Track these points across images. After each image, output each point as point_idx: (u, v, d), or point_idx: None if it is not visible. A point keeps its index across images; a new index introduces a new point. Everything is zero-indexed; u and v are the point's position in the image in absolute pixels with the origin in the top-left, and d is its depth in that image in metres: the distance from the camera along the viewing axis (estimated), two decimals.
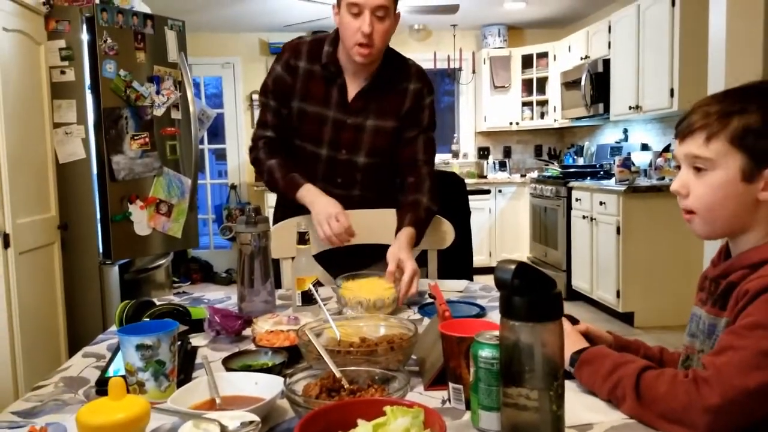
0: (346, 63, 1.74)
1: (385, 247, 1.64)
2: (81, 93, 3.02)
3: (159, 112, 3.27)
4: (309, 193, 1.71)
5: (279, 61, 1.78)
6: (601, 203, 4.45)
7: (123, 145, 3.11)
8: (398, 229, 1.69)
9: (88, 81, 3.03)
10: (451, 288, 1.64)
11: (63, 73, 3.01)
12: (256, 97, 6.04)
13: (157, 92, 3.26)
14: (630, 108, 4.62)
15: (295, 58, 1.76)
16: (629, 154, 4.86)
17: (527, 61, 6.28)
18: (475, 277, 2.61)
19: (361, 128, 1.76)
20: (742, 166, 0.94)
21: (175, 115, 3.36)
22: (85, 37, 3.02)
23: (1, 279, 2.50)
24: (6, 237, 2.53)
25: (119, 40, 3.09)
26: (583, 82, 5.22)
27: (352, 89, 1.76)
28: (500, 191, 6.09)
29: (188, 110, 3.36)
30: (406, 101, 1.77)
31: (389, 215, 1.78)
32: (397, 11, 1.69)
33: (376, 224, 1.79)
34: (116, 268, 3.15)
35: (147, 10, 3.73)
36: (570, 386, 0.97)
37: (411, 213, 1.71)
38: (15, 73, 2.68)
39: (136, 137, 3.15)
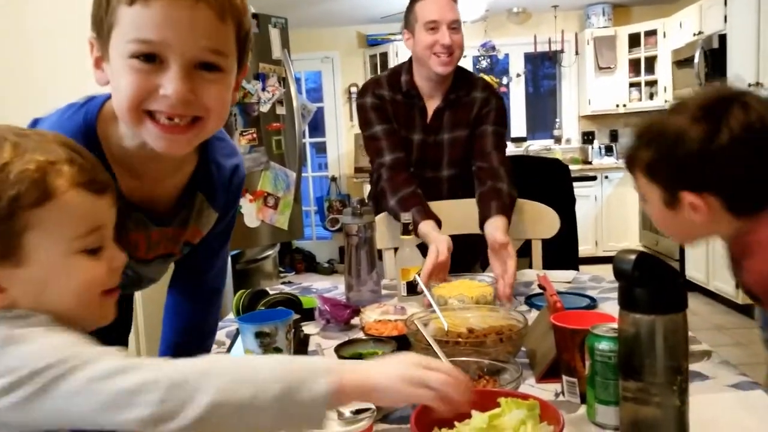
0: (423, 86, 1.84)
1: (473, 237, 1.65)
2: None
3: (265, 108, 3.39)
4: (424, 230, 1.62)
5: (366, 95, 1.86)
6: None
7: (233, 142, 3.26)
8: (485, 218, 1.65)
9: None
10: (560, 278, 1.60)
11: None
12: (354, 90, 6.13)
13: (263, 89, 3.39)
14: (750, 86, 4.28)
15: (378, 89, 1.86)
16: None
17: (634, 40, 5.96)
18: (582, 268, 2.52)
19: (440, 144, 1.85)
20: (661, 196, 1.02)
21: (280, 110, 3.48)
22: None
23: None
24: None
25: None
26: (696, 60, 4.89)
27: (430, 109, 1.85)
28: (606, 177, 5.84)
29: (291, 106, 3.47)
30: (474, 109, 1.84)
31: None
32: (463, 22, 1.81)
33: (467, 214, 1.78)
34: (229, 259, 3.32)
35: (252, 9, 3.88)
36: (693, 380, 0.92)
37: (495, 201, 1.68)
38: None
39: (244, 133, 3.29)
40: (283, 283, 1.80)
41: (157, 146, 0.79)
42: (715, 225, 1.02)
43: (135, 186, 0.87)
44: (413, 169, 1.85)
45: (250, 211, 3.33)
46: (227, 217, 1.06)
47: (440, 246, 1.50)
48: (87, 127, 0.81)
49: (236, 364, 0.65)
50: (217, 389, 0.61)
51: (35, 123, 0.87)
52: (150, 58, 0.74)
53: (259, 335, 1.01)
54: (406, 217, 1.48)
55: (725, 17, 4.66)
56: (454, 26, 1.77)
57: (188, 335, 1.08)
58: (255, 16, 3.42)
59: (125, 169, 0.85)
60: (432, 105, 1.85)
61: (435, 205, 1.77)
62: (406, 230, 1.47)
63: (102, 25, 0.77)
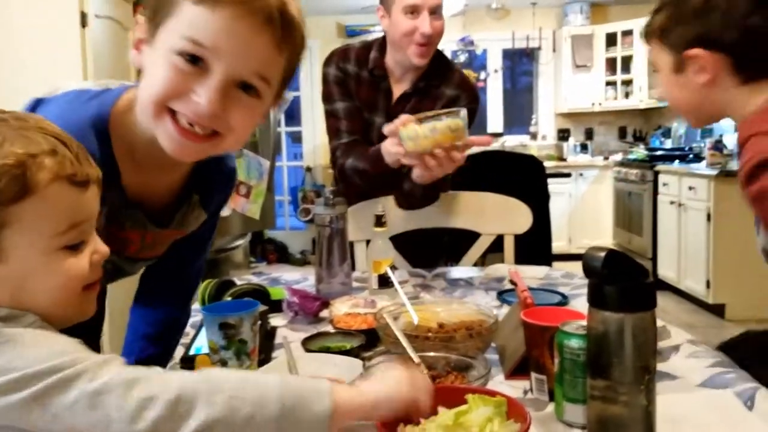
0: (394, 67, 1.73)
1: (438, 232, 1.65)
2: None
3: None
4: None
5: (330, 65, 1.76)
6: (690, 188, 4.22)
7: None
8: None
9: None
10: (532, 274, 1.60)
11: None
12: None
13: None
14: None
15: (344, 61, 1.76)
16: (721, 136, 4.58)
17: (611, 39, 6.01)
18: (555, 264, 2.53)
19: None
20: (671, 61, 1.07)
21: None
22: None
23: None
24: None
25: None
26: None
27: (396, 93, 1.75)
28: (581, 175, 5.89)
29: None
30: (438, 105, 1.68)
31: (471, 198, 1.75)
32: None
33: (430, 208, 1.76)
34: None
35: None
36: (662, 379, 0.92)
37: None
38: (105, 58, 2.80)
39: None
40: (254, 273, 1.78)
41: (168, 146, 0.76)
42: (720, 91, 1.05)
43: (137, 182, 0.82)
44: None
45: None
46: (213, 219, 1.02)
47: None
48: (99, 118, 0.77)
49: (237, 380, 0.62)
50: (216, 406, 0.58)
51: (37, 104, 0.81)
52: (194, 61, 0.71)
53: (223, 326, 0.98)
54: (379, 208, 1.46)
55: None
56: (436, 11, 1.62)
57: (161, 327, 1.04)
58: None
59: (130, 163, 0.81)
60: (399, 88, 1.75)
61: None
62: (378, 222, 1.45)
63: (158, 10, 0.74)
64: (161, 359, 0.95)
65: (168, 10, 0.73)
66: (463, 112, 1.37)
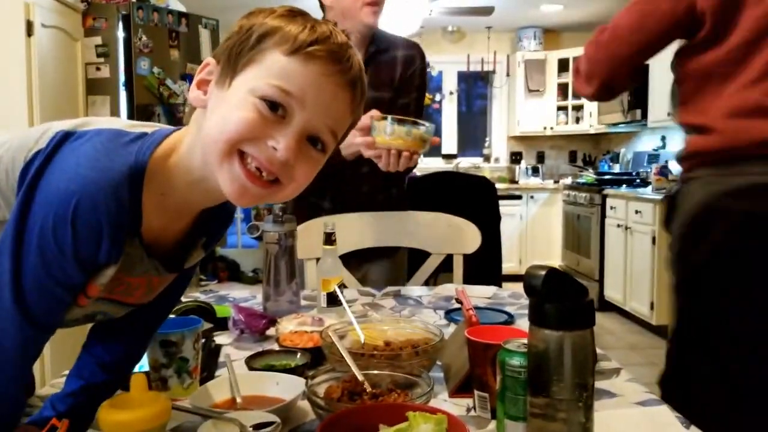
0: None
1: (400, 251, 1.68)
2: (115, 89, 3.07)
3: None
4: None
5: None
6: (636, 212, 4.35)
7: None
8: None
9: (122, 78, 3.08)
10: (479, 294, 1.61)
11: (98, 69, 3.07)
12: None
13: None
14: (669, 114, 4.52)
15: None
16: (667, 161, 4.75)
17: (563, 65, 6.19)
18: (504, 284, 2.57)
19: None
20: None
21: None
22: (120, 34, 3.07)
23: None
24: None
25: (154, 38, 3.13)
26: None
27: None
28: (532, 197, 6.01)
29: None
30: (398, 68, 1.79)
31: (421, 218, 1.76)
32: None
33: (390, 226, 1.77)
34: None
35: (182, 8, 3.79)
36: (601, 397, 0.94)
37: None
38: (52, 68, 2.74)
39: None
40: (203, 291, 1.74)
41: (229, 189, 0.73)
42: None
43: (156, 228, 0.78)
44: None
45: None
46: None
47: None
48: (137, 166, 0.72)
49: None
50: None
51: (65, 137, 0.73)
52: (274, 108, 0.72)
53: (164, 344, 0.96)
54: (329, 226, 1.46)
55: None
56: None
57: (120, 357, 0.98)
58: (185, 15, 3.33)
59: (156, 212, 0.77)
60: None
61: (355, 217, 1.76)
62: (328, 240, 1.44)
63: (238, 57, 0.74)
64: (113, 385, 0.91)
65: (251, 57, 0.74)
66: (432, 127, 1.51)
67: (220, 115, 0.73)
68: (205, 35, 3.40)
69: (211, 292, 1.73)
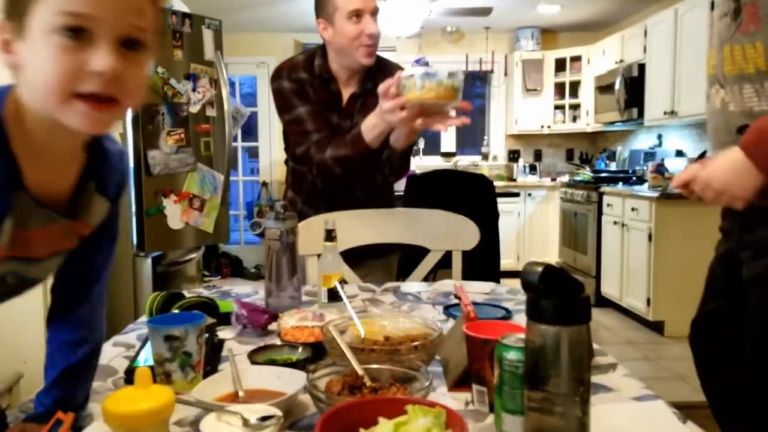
0: (339, 71, 1.82)
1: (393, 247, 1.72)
2: None
3: (194, 109, 3.32)
4: (367, 122, 1.62)
5: (281, 79, 1.82)
6: (633, 209, 4.38)
7: (159, 141, 3.17)
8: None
9: None
10: (478, 290, 1.63)
11: None
12: None
13: (193, 90, 3.31)
14: (665, 113, 4.54)
15: (295, 72, 1.82)
16: (663, 160, 4.77)
17: (560, 65, 6.21)
18: (502, 280, 2.59)
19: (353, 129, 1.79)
20: None
21: (210, 112, 3.41)
22: None
23: None
24: None
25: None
26: (617, 87, 5.14)
27: (345, 95, 1.84)
28: (530, 195, 6.04)
29: (223, 108, 3.41)
30: None
31: (421, 215, 1.78)
32: None
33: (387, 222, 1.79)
34: (149, 261, 3.21)
35: (185, 9, 3.79)
36: (598, 392, 0.96)
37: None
38: None
39: (171, 133, 3.20)
40: (206, 287, 1.76)
41: (79, 125, 0.74)
42: None
43: (40, 180, 0.81)
44: None
45: (174, 213, 3.23)
46: (115, 207, 1.01)
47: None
48: None
49: None
50: None
51: None
52: (77, 34, 0.70)
53: (168, 338, 0.98)
54: (330, 223, 1.47)
55: (645, 48, 4.93)
56: (375, 14, 1.74)
57: (81, 330, 1.00)
58: (188, 16, 3.34)
59: (31, 162, 0.79)
60: (347, 91, 1.83)
61: (354, 214, 1.79)
62: (329, 237, 1.46)
63: (17, 3, 0.72)
64: (91, 357, 0.94)
65: None
66: (462, 75, 1.44)
67: (33, 70, 0.73)
68: (208, 35, 3.42)
69: (214, 288, 1.75)
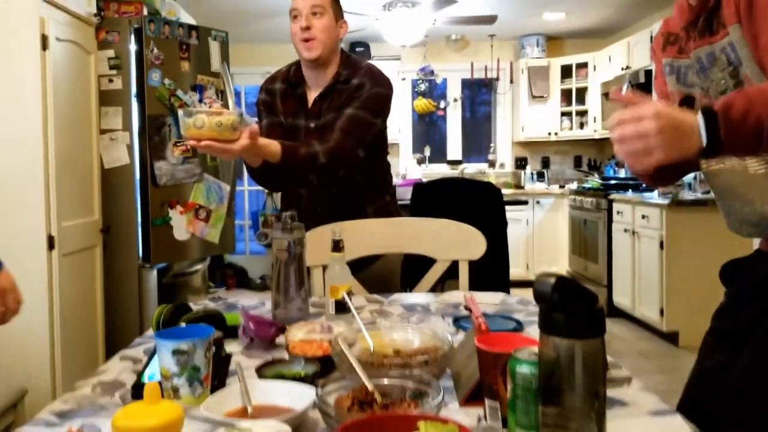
0: (307, 74, 1.94)
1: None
2: (127, 100, 3.10)
3: None
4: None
5: (261, 90, 2.01)
6: (643, 217, 4.34)
7: (165, 152, 3.17)
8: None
9: (134, 89, 3.11)
10: (487, 301, 1.61)
11: (111, 81, 3.10)
12: None
13: (200, 101, 3.32)
14: None
15: (272, 83, 2.00)
16: None
17: (566, 72, 6.20)
18: (512, 291, 2.56)
19: (321, 128, 1.88)
20: None
21: None
22: (132, 47, 3.10)
23: (44, 280, 2.57)
24: (51, 239, 2.60)
25: (165, 50, 3.16)
26: (624, 92, 5.12)
27: (312, 96, 1.93)
28: (538, 202, 6.01)
29: None
30: (345, 94, 1.88)
31: (427, 225, 1.76)
32: (343, 19, 1.92)
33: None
34: (155, 272, 3.21)
35: (192, 21, 3.82)
36: (613, 407, 0.94)
37: (294, 144, 1.74)
38: (66, 81, 2.76)
39: (178, 144, 3.21)
40: (212, 299, 1.75)
41: None
42: None
43: None
44: None
45: (179, 224, 3.23)
46: None
47: None
48: None
49: None
50: None
51: None
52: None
53: (176, 353, 0.97)
54: (337, 233, 1.46)
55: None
56: (316, 11, 1.84)
57: None
58: (195, 28, 3.36)
59: None
60: (314, 92, 1.93)
61: (361, 224, 1.80)
62: (336, 247, 1.45)
63: None
64: None
65: None
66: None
67: None
68: (214, 47, 3.43)
69: (219, 300, 1.74)
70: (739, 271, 1.32)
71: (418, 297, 1.71)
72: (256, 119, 2.02)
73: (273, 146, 1.64)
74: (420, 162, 6.55)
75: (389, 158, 2.10)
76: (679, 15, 1.25)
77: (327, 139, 1.76)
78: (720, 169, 1.25)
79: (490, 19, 5.05)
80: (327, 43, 1.86)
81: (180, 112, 1.52)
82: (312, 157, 1.71)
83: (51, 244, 2.60)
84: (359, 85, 1.86)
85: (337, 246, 1.44)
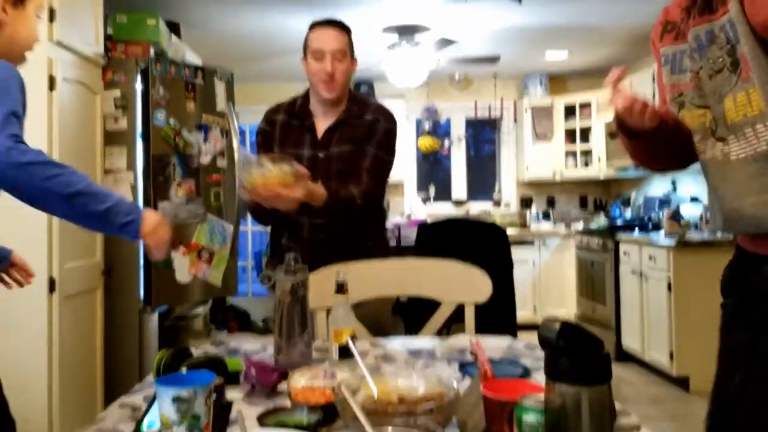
0: (316, 107, 2.04)
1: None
2: (132, 140, 3.12)
3: (205, 160, 3.34)
4: None
5: (262, 120, 2.09)
6: (650, 258, 4.30)
7: (169, 192, 3.18)
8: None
9: (139, 129, 3.13)
10: (494, 345, 1.59)
11: (116, 121, 3.13)
12: None
13: (205, 140, 3.35)
14: None
15: (274, 114, 2.08)
16: (678, 206, 4.73)
17: (570, 111, 6.24)
18: (519, 334, 2.52)
19: (329, 159, 1.99)
20: None
21: (221, 162, 3.44)
22: (139, 87, 3.14)
23: (44, 323, 2.55)
24: (52, 282, 2.58)
25: (171, 90, 3.20)
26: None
27: (321, 129, 2.02)
28: (544, 243, 5.97)
29: (233, 157, 3.44)
30: (362, 129, 2.00)
31: (432, 266, 1.74)
32: (354, 57, 2.04)
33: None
34: (156, 315, 3.18)
35: (198, 61, 3.88)
36: None
37: (333, 186, 1.85)
38: (71, 120, 2.79)
39: (182, 184, 3.22)
40: (213, 343, 1.72)
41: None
42: None
43: None
44: None
45: (182, 265, 3.21)
46: None
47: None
48: None
49: None
50: None
51: None
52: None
53: (176, 400, 0.94)
54: (341, 275, 1.44)
55: (654, 93, 4.94)
56: (339, 56, 1.96)
57: None
58: (201, 69, 3.41)
59: None
60: (323, 123, 2.02)
61: (364, 266, 1.78)
62: (340, 289, 1.43)
63: None
64: None
65: None
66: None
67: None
68: (220, 87, 3.48)
69: (221, 344, 1.72)
70: (733, 281, 1.32)
71: (423, 341, 1.69)
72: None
73: (321, 189, 1.77)
74: (425, 201, 6.56)
75: (395, 197, 2.17)
76: None
77: (359, 182, 1.90)
78: (702, 158, 1.29)
79: (493, 59, 5.13)
80: (344, 84, 2.00)
81: (240, 162, 1.60)
82: (351, 199, 1.86)
83: (52, 286, 2.58)
84: (374, 121, 2.00)
85: (341, 288, 1.42)
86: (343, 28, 2.01)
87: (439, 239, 3.57)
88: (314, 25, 2.02)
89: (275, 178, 1.61)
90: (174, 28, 3.92)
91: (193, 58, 3.88)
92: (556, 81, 6.53)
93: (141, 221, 1.43)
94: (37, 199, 1.37)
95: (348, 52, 2.00)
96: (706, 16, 1.20)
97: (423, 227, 3.71)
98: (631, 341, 4.63)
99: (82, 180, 1.36)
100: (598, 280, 5.16)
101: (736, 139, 1.20)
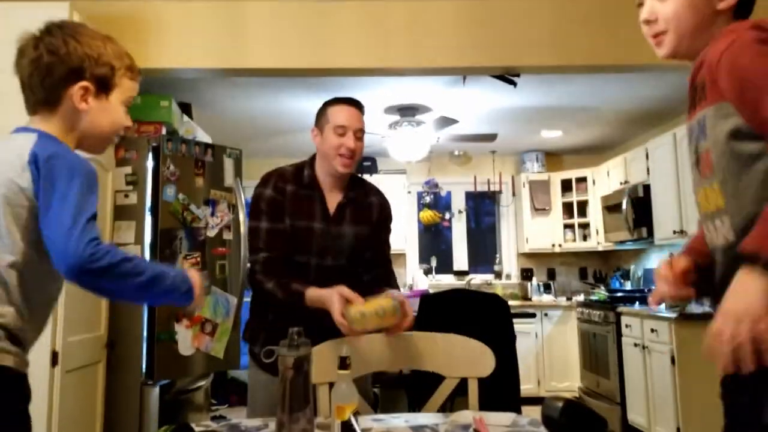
0: (324, 179, 2.08)
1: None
2: (141, 215, 3.18)
3: (212, 233, 3.40)
4: (314, 293, 1.87)
5: (267, 186, 2.06)
6: (652, 330, 4.28)
7: (175, 265, 3.21)
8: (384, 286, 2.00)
9: (148, 203, 3.20)
10: (498, 422, 1.58)
11: (126, 196, 3.20)
12: None
13: (212, 214, 3.41)
14: (674, 232, 4.57)
15: (282, 182, 2.06)
16: None
17: (566, 185, 6.36)
18: (524, 408, 2.50)
19: (342, 235, 2.05)
20: None
21: (227, 235, 3.49)
22: (149, 164, 3.23)
23: (44, 397, 2.52)
24: (55, 355, 2.57)
25: (181, 167, 3.29)
26: (624, 207, 5.22)
27: (331, 203, 2.07)
28: (546, 315, 5.94)
29: (239, 231, 3.49)
30: (374, 212, 2.14)
31: (435, 340, 1.75)
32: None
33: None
34: (157, 389, 3.14)
35: (208, 139, 4.00)
36: None
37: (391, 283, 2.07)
38: None
39: (188, 257, 3.26)
40: (214, 417, 1.71)
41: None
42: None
43: None
44: (314, 260, 2.03)
45: (185, 338, 3.21)
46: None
47: (336, 290, 1.76)
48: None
49: None
50: None
51: None
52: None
53: None
54: (344, 350, 1.46)
55: (648, 169, 5.06)
56: (359, 135, 2.05)
57: None
58: (211, 146, 3.52)
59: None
60: (332, 198, 2.08)
61: (366, 339, 1.80)
62: (343, 364, 1.44)
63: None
64: None
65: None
66: (396, 294, 1.80)
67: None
68: (228, 164, 3.58)
69: (222, 419, 1.71)
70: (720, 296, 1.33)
71: (426, 417, 1.67)
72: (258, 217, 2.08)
73: (410, 309, 1.83)
74: (427, 273, 6.57)
75: (397, 268, 2.24)
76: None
77: (389, 277, 2.12)
78: None
79: (491, 137, 5.27)
80: (358, 161, 2.09)
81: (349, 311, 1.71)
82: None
83: (54, 360, 2.57)
84: (381, 206, 2.16)
85: (344, 363, 1.43)
86: (362, 109, 2.10)
87: (442, 310, 3.56)
88: (337, 101, 2.07)
89: (371, 320, 1.71)
90: (186, 108, 4.08)
91: (204, 136, 4.01)
92: (552, 157, 6.68)
93: (193, 283, 1.46)
94: (113, 294, 1.40)
95: (364, 132, 2.10)
96: (692, 110, 1.26)
97: (425, 298, 3.71)
98: (636, 416, 4.54)
99: (146, 267, 1.35)
100: (601, 352, 5.10)
101: (708, 230, 1.27)
